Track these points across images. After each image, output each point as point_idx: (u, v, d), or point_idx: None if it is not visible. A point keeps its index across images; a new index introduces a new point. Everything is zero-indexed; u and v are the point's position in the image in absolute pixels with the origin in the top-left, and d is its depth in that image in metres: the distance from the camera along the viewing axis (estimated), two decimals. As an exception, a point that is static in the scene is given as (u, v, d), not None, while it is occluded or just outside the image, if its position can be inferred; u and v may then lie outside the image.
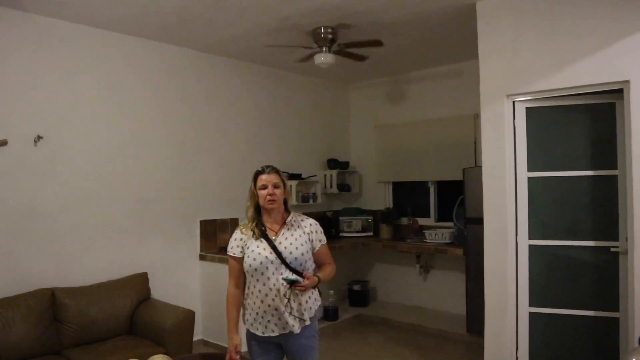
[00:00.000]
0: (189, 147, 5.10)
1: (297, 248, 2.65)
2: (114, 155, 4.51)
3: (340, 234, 6.42)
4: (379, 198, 6.78)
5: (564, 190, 3.75)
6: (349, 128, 7.08)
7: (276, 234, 2.69)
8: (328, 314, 5.73)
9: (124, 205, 4.57)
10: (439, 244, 5.58)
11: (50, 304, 3.80)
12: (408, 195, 6.69)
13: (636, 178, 3.25)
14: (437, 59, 5.74)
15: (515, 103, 3.81)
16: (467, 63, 5.72)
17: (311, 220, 2.80)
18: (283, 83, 6.12)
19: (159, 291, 4.63)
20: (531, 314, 3.81)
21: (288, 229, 2.70)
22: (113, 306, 4.08)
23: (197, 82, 5.19)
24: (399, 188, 6.75)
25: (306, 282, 2.57)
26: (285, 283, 2.56)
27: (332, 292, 5.80)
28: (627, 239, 3.41)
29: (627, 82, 3.29)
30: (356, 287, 6.33)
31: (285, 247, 2.64)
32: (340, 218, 6.50)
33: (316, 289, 2.76)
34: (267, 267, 2.61)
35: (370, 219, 6.52)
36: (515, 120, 3.82)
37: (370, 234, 6.47)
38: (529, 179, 3.80)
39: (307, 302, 2.67)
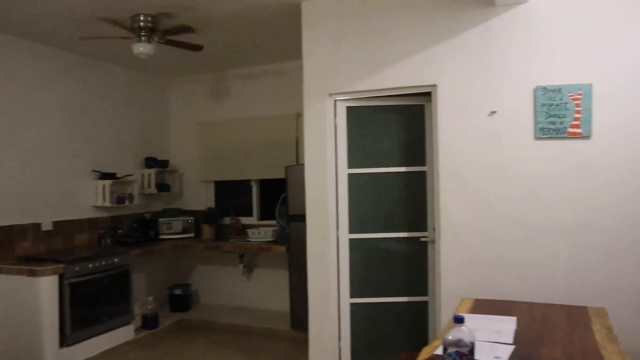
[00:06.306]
0: (-24, 141, 4.36)
1: None
2: None
3: (160, 237, 6.07)
4: (201, 198, 6.57)
5: (380, 185, 3.99)
6: (169, 125, 6.73)
7: None
8: (147, 321, 5.36)
9: None
10: (262, 243, 5.58)
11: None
12: (231, 195, 6.59)
13: (441, 173, 3.58)
14: (260, 57, 5.73)
15: (337, 102, 3.96)
16: (290, 63, 5.84)
17: None
18: (96, 73, 5.56)
19: None
20: (352, 305, 3.98)
21: None
22: None
23: (-13, 65, 4.46)
24: (221, 187, 6.62)
25: None
26: None
27: (150, 298, 5.42)
28: (434, 228, 3.76)
29: (434, 86, 3.61)
30: (177, 292, 6.03)
31: None
32: (160, 219, 6.14)
33: None
34: None
35: (191, 219, 6.28)
36: (337, 119, 3.96)
37: (192, 235, 6.23)
38: (349, 175, 3.97)
39: None
